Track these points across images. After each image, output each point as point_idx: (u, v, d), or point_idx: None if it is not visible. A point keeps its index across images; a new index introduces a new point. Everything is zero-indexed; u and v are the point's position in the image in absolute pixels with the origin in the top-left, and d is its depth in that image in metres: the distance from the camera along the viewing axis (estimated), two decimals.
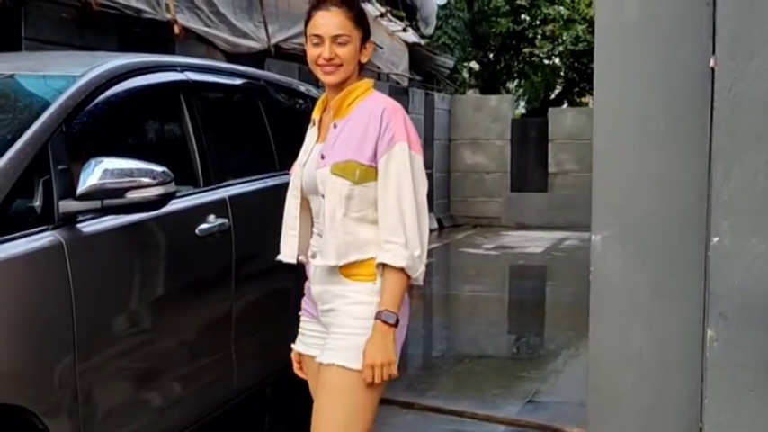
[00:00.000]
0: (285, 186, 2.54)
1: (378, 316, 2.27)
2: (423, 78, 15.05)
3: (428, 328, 7.21)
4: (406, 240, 2.28)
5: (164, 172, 2.67)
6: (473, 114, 15.12)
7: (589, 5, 16.18)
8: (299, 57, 8.69)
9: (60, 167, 2.57)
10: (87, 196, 2.54)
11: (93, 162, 2.55)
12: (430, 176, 13.14)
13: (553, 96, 20.59)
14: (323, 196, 2.35)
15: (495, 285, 9.59)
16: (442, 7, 15.90)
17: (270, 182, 3.72)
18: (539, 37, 17.60)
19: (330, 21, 2.34)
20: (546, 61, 18.93)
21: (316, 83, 2.47)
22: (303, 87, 4.51)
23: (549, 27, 17.18)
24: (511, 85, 20.93)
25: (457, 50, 16.70)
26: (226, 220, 3.27)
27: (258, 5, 9.03)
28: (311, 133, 2.50)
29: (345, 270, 2.34)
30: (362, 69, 2.45)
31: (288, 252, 2.49)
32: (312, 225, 2.48)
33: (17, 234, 2.40)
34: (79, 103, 2.75)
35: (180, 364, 3.07)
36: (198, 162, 3.31)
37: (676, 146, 2.76)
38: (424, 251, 2.32)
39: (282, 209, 2.52)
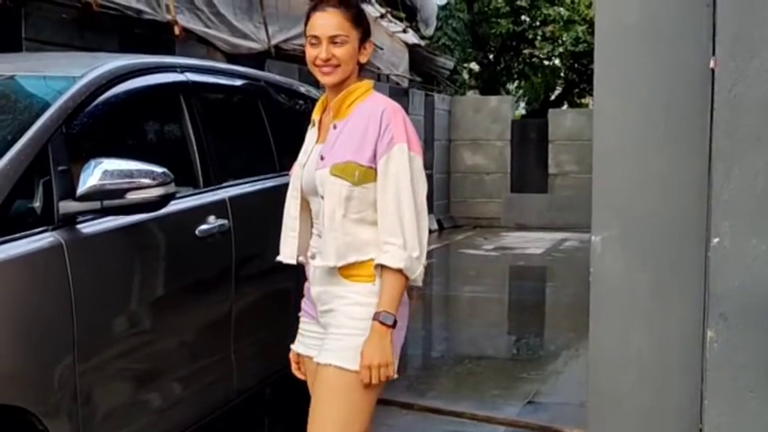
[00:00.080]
0: (285, 187, 2.54)
1: (376, 317, 2.27)
2: (423, 79, 15.05)
3: (428, 328, 7.21)
4: (405, 242, 2.27)
5: (164, 173, 2.67)
6: (473, 115, 15.12)
7: (589, 6, 16.19)
8: (299, 58, 8.68)
9: (60, 168, 2.57)
10: (87, 197, 2.53)
11: (93, 163, 2.55)
12: (430, 177, 13.15)
13: (553, 97, 20.59)
14: (322, 197, 2.35)
15: (494, 286, 9.59)
16: (442, 8, 15.90)
17: (270, 183, 3.72)
18: (539, 38, 17.60)
19: (327, 21, 2.34)
20: (546, 62, 18.93)
21: (316, 84, 2.47)
22: (303, 88, 4.51)
23: (549, 28, 17.18)
24: (511, 86, 20.93)
25: (457, 51, 16.70)
26: (226, 221, 3.27)
27: (258, 6, 9.03)
28: (311, 134, 2.50)
29: (345, 271, 2.34)
30: (362, 70, 2.44)
31: (287, 253, 2.49)
32: (312, 226, 2.47)
33: (17, 235, 2.40)
34: (79, 104, 2.75)
35: (180, 364, 3.07)
36: (198, 163, 3.31)
37: (676, 147, 2.76)
38: (422, 252, 2.31)
39: (282, 210, 2.52)
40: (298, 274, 2.57)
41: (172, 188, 2.71)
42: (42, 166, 2.54)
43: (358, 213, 2.32)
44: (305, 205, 2.46)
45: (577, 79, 18.96)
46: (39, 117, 2.61)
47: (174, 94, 3.35)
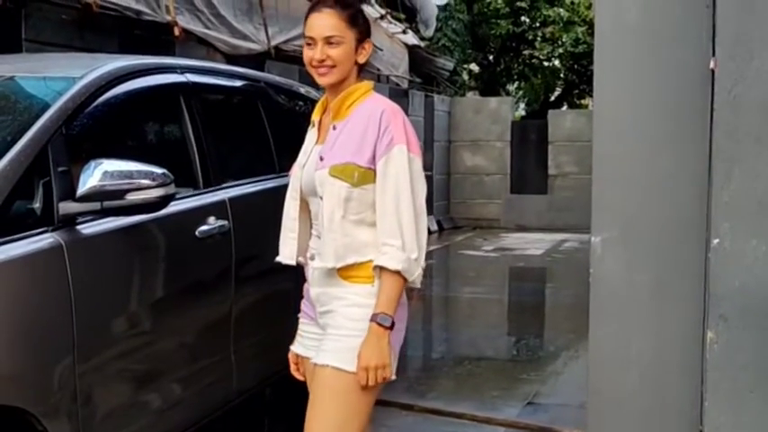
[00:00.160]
0: (285, 188, 2.53)
1: (373, 319, 2.26)
2: (422, 80, 15.06)
3: (428, 329, 7.20)
4: (404, 243, 2.27)
5: (164, 174, 2.66)
6: (473, 116, 15.13)
7: (589, 7, 16.19)
8: (299, 59, 8.64)
9: (60, 169, 2.57)
10: (87, 198, 2.53)
11: (92, 164, 2.55)
12: (430, 178, 13.16)
13: (553, 98, 20.60)
14: (321, 198, 2.34)
15: (494, 287, 9.59)
16: (441, 9, 15.89)
17: (270, 183, 3.71)
18: (538, 39, 17.61)
19: (322, 22, 2.33)
20: (546, 63, 18.94)
21: (315, 85, 2.47)
22: (303, 89, 4.51)
23: (549, 29, 17.19)
24: (511, 87, 20.94)
25: (457, 52, 16.71)
26: (226, 222, 3.27)
27: (258, 7, 9.04)
28: (311, 135, 2.50)
29: (343, 272, 2.33)
30: (362, 71, 2.43)
31: (287, 253, 2.49)
32: (311, 227, 2.47)
33: (17, 236, 2.40)
34: (79, 105, 2.75)
35: (179, 365, 3.07)
36: (198, 164, 3.31)
37: (676, 148, 2.76)
38: (421, 254, 2.31)
39: (282, 211, 2.52)
40: (297, 274, 2.57)
41: (172, 189, 2.71)
42: (42, 166, 2.53)
43: (357, 214, 2.32)
44: (304, 206, 2.46)
45: (577, 80, 18.96)
46: (39, 118, 2.61)
47: (174, 95, 3.35)
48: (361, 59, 2.39)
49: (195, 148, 3.31)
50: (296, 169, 2.49)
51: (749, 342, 2.59)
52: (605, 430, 2.90)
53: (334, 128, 2.38)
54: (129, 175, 2.59)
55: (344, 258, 2.32)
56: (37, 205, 2.51)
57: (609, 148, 2.83)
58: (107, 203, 2.57)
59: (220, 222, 3.24)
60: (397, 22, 13.67)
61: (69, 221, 2.56)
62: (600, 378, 2.89)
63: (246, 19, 8.84)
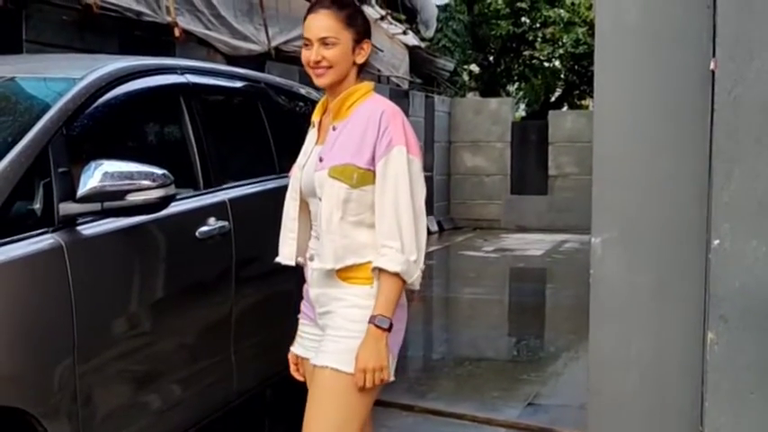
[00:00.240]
0: (285, 189, 2.53)
1: (371, 320, 2.26)
2: (423, 81, 15.06)
3: (428, 330, 7.20)
4: (403, 245, 2.26)
5: (164, 174, 2.66)
6: (473, 117, 15.13)
7: (589, 8, 16.19)
8: (299, 59, 8.67)
9: (60, 170, 2.57)
10: (87, 199, 2.53)
11: (93, 164, 2.55)
12: (430, 179, 13.18)
13: (553, 99, 20.59)
14: (320, 199, 2.34)
15: (494, 288, 9.58)
16: (442, 10, 15.90)
17: (270, 184, 3.71)
18: (539, 40, 17.61)
19: (318, 23, 2.33)
20: (546, 64, 18.94)
21: (315, 85, 2.46)
22: (303, 90, 4.51)
23: (550, 30, 17.19)
24: (511, 88, 20.94)
25: (457, 53, 16.71)
26: (226, 223, 3.27)
27: (259, 8, 9.04)
28: (311, 135, 2.50)
29: (343, 273, 2.33)
30: (362, 71, 2.43)
31: (286, 254, 2.49)
32: (311, 227, 2.47)
33: (17, 236, 2.40)
34: (79, 106, 2.75)
35: (179, 366, 3.07)
36: (198, 164, 3.31)
37: (677, 148, 2.76)
38: (420, 256, 2.30)
39: (282, 211, 2.52)
40: (297, 275, 2.57)
41: (172, 190, 2.71)
42: (42, 167, 2.54)
43: (356, 216, 2.32)
44: (304, 207, 2.46)
45: (577, 81, 18.96)
46: (39, 119, 2.62)
47: (175, 96, 3.35)
48: (360, 60, 2.38)
49: (195, 149, 3.31)
50: (296, 170, 2.49)
51: (749, 343, 2.59)
52: (606, 431, 2.90)
53: (334, 129, 2.38)
54: (130, 175, 2.59)
55: (343, 260, 2.31)
56: (37, 206, 2.51)
57: (609, 148, 2.83)
58: (107, 204, 2.57)
59: (221, 223, 3.24)
60: (398, 23, 13.67)
61: (70, 222, 2.56)
62: (600, 379, 2.89)
63: (247, 20, 8.85)
